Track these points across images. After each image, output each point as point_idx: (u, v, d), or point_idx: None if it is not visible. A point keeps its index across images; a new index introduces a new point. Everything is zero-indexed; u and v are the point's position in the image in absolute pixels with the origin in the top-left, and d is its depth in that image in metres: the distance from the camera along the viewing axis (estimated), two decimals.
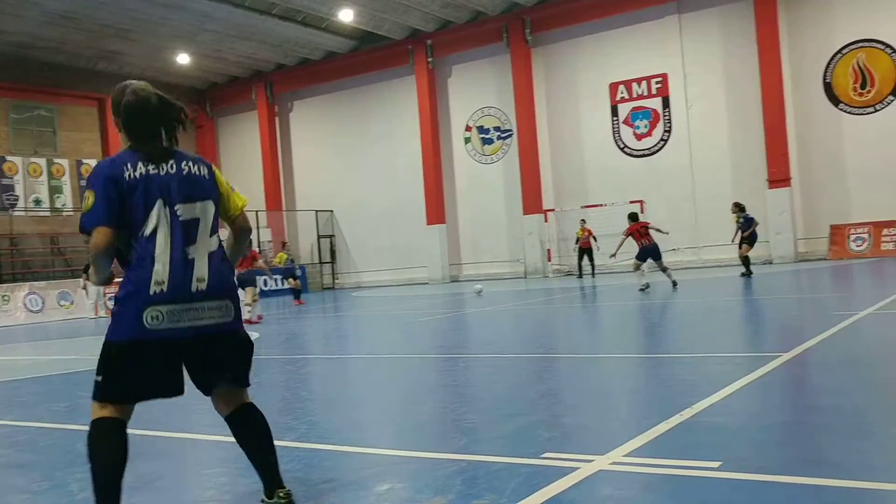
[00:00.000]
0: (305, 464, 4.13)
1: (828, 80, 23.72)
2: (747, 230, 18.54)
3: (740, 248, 18.65)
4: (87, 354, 11.88)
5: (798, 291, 14.07)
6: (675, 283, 16.00)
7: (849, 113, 23.46)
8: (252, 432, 3.43)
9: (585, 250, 24.58)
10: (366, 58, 30.85)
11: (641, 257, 16.40)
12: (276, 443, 3.47)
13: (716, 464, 3.50)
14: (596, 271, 24.83)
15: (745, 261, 18.46)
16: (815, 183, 23.88)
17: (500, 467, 3.74)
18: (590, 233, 24.68)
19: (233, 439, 3.46)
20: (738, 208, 19.06)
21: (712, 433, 4.14)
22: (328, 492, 3.61)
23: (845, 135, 23.46)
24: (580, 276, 24.38)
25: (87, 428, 3.12)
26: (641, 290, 15.54)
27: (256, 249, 18.44)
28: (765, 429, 4.17)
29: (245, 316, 16.26)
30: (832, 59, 23.67)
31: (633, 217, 17.14)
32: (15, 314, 21.99)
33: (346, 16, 27.11)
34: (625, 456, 3.78)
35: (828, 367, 6.05)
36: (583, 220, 25.22)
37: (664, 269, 16.35)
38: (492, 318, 13.17)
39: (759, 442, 3.93)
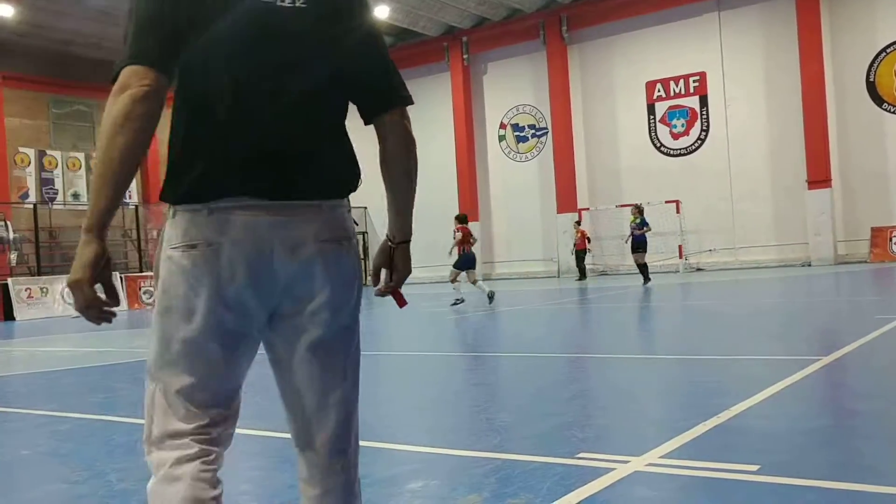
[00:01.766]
0: None
1: (871, 80, 23.31)
2: (639, 231, 19.03)
3: (635, 253, 18.93)
4: (121, 347, 12.05)
5: (838, 294, 13.84)
6: (490, 295, 14.73)
7: (893, 113, 23.05)
8: None
9: (581, 253, 24.14)
10: (401, 54, 30.90)
11: (461, 266, 15.14)
12: (277, 434, 3.48)
13: (754, 467, 3.45)
14: (586, 275, 24.39)
15: (644, 268, 18.70)
16: (855, 184, 23.49)
17: (535, 466, 3.72)
18: (584, 235, 24.31)
19: (269, 433, 3.48)
20: (639, 210, 19.53)
21: (750, 436, 4.08)
22: (363, 487, 3.61)
23: (888, 135, 23.05)
24: (582, 277, 23.93)
25: (124, 420, 3.16)
26: (455, 303, 14.74)
27: None
28: (803, 433, 4.11)
29: None
30: (876, 57, 23.26)
31: (462, 219, 15.64)
32: (53, 306, 22.37)
33: (381, 12, 27.18)
34: (660, 457, 3.74)
35: (868, 371, 5.94)
36: (576, 223, 24.91)
37: (474, 282, 15.10)
38: (523, 317, 13.14)
39: (798, 446, 3.87)
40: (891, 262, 22.17)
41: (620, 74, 27.11)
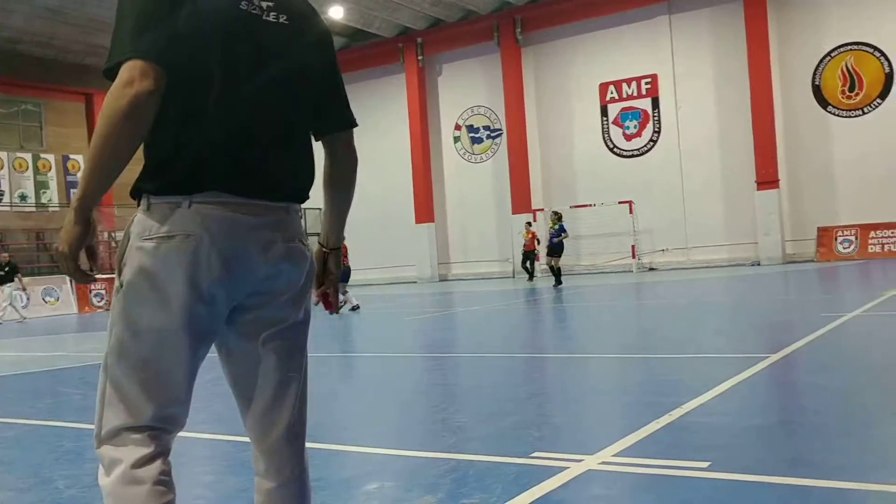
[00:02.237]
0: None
1: (817, 83, 23.85)
2: (557, 238, 20.01)
3: (550, 256, 20.05)
4: (71, 351, 11.81)
5: (786, 293, 14.13)
6: (355, 308, 15.48)
7: (837, 115, 23.60)
8: None
9: (529, 253, 24.20)
10: (356, 55, 30.77)
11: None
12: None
13: (704, 464, 3.51)
14: (535, 276, 24.49)
15: (557, 272, 19.75)
16: (802, 185, 24.01)
17: (490, 466, 3.73)
18: (534, 236, 24.40)
19: (222, 436, 3.45)
20: (557, 217, 20.68)
21: (701, 433, 4.15)
22: (317, 490, 3.59)
23: (833, 137, 23.60)
24: (531, 278, 24.00)
25: (72, 425, 3.10)
26: (352, 309, 15.37)
27: None
28: (753, 429, 4.18)
29: None
30: (821, 61, 23.80)
31: None
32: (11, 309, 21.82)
33: (336, 13, 27.05)
34: (614, 456, 3.78)
35: (815, 368, 6.08)
36: (528, 223, 25.00)
37: (344, 293, 15.67)
38: (479, 317, 13.18)
39: (747, 442, 3.94)
40: (836, 261, 22.71)
41: (574, 76, 27.34)
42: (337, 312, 2.32)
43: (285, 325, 2.03)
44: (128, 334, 1.88)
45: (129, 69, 1.77)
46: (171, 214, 1.86)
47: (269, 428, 2.08)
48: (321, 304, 2.31)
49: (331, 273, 2.25)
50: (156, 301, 1.84)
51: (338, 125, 2.20)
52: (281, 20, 1.98)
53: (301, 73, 2.03)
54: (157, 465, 1.89)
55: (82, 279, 1.92)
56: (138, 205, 1.94)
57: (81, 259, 1.89)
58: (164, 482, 1.91)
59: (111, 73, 1.82)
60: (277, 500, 2.07)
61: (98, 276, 2.01)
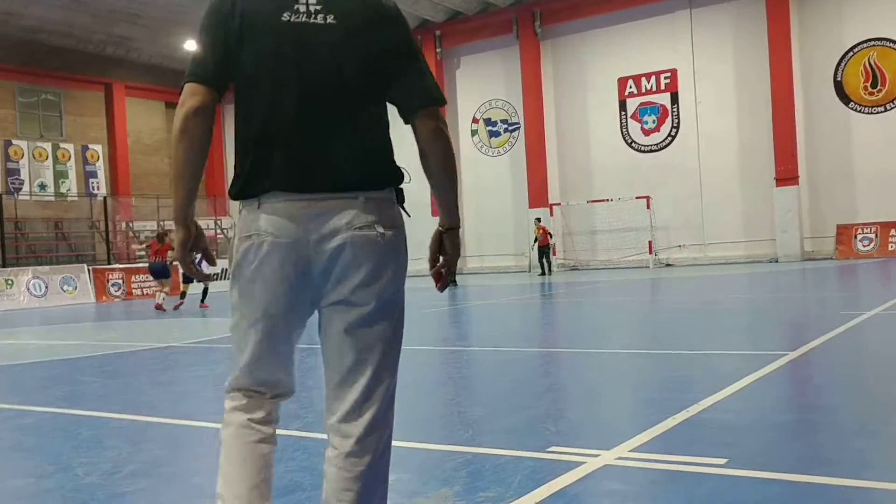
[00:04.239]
0: (311, 453, 4.13)
1: (838, 79, 23.63)
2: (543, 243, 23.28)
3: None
4: (89, 340, 11.91)
5: (804, 290, 14.04)
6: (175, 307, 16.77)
7: (859, 112, 23.37)
8: None
9: (544, 248, 24.25)
10: None
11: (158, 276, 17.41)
12: (281, 431, 3.50)
13: (721, 460, 3.49)
14: (552, 270, 24.56)
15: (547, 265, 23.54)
16: (822, 182, 23.81)
17: (506, 460, 3.73)
18: (545, 231, 24.41)
19: None
20: (539, 222, 24.28)
21: (718, 430, 4.13)
22: None
23: (854, 134, 23.37)
24: (543, 273, 24.08)
25: (91, 413, 3.13)
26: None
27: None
28: (770, 426, 4.16)
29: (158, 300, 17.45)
30: (843, 57, 23.57)
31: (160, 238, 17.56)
32: (18, 298, 22.04)
33: None
34: (630, 451, 3.77)
35: (833, 366, 6.03)
36: (537, 219, 24.98)
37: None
38: (495, 311, 13.17)
39: (765, 439, 3.92)
40: (856, 259, 22.52)
41: (592, 70, 27.22)
42: (442, 290, 2.44)
43: (358, 309, 2.15)
44: (233, 315, 2.21)
45: (184, 91, 2.08)
46: (248, 216, 2.13)
47: (337, 404, 2.22)
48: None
49: (445, 252, 2.36)
50: (245, 291, 2.15)
51: (408, 107, 2.23)
52: (328, 20, 2.12)
53: (354, 68, 2.13)
54: (243, 414, 2.23)
55: (199, 277, 2.30)
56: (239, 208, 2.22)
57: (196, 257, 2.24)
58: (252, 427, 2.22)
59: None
60: (333, 468, 2.21)
61: (207, 272, 2.36)
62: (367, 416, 2.20)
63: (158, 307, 17.38)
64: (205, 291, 18.12)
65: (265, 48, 2.09)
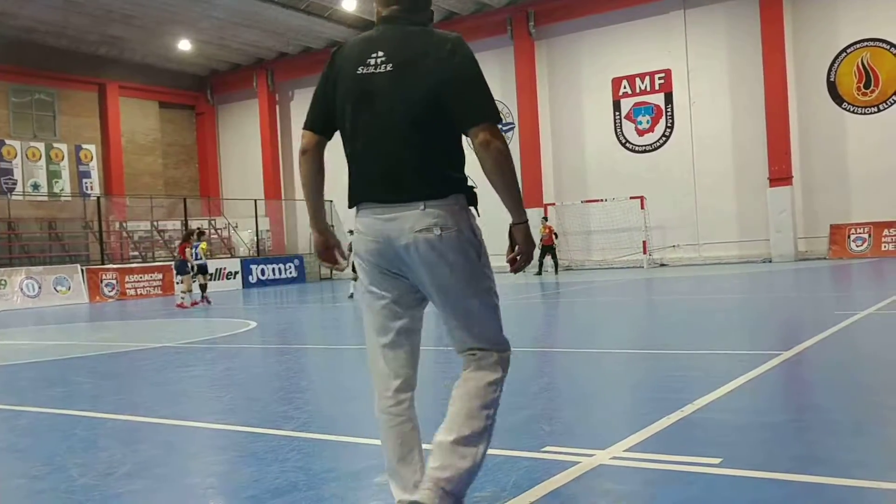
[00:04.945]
0: (305, 453, 4.13)
1: (832, 79, 23.69)
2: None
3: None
4: (82, 341, 11.88)
5: (798, 290, 14.07)
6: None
7: (852, 112, 23.44)
8: None
9: (548, 248, 24.30)
10: None
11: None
12: (276, 432, 3.51)
13: (716, 460, 3.50)
14: (559, 269, 24.66)
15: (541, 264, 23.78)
16: (816, 182, 23.87)
17: (502, 460, 3.74)
18: (551, 230, 24.45)
19: (234, 427, 3.48)
20: (546, 221, 24.55)
21: (712, 429, 4.14)
22: (329, 482, 3.61)
23: (848, 134, 23.44)
24: (539, 272, 24.12)
25: (84, 414, 3.13)
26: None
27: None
28: (764, 426, 4.17)
29: (178, 301, 18.09)
30: (837, 57, 23.62)
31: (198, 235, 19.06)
32: (11, 299, 21.98)
33: (349, 5, 27.05)
34: (625, 451, 3.78)
35: (827, 366, 6.05)
36: (544, 218, 25.00)
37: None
38: None
39: (759, 439, 3.93)
40: (849, 259, 22.58)
41: (587, 70, 27.24)
42: (515, 273, 2.91)
43: (440, 290, 2.76)
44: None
45: (301, 136, 2.92)
46: (356, 218, 2.84)
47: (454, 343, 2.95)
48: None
49: (514, 243, 2.87)
50: (360, 272, 2.86)
51: (462, 125, 2.71)
52: (387, 69, 2.71)
53: (410, 103, 2.68)
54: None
55: (334, 267, 3.09)
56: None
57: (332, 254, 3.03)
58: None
59: None
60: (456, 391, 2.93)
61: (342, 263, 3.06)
62: (474, 364, 2.95)
63: (180, 306, 17.96)
64: (203, 288, 18.60)
65: (348, 96, 2.76)
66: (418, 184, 2.69)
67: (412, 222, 2.69)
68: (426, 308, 2.95)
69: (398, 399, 2.91)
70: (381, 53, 2.73)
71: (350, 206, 2.85)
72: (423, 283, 2.77)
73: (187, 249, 17.92)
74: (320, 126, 2.86)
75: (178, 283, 19.24)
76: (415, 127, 2.69)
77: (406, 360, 2.88)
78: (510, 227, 2.87)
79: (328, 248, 2.98)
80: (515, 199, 2.80)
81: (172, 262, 19.53)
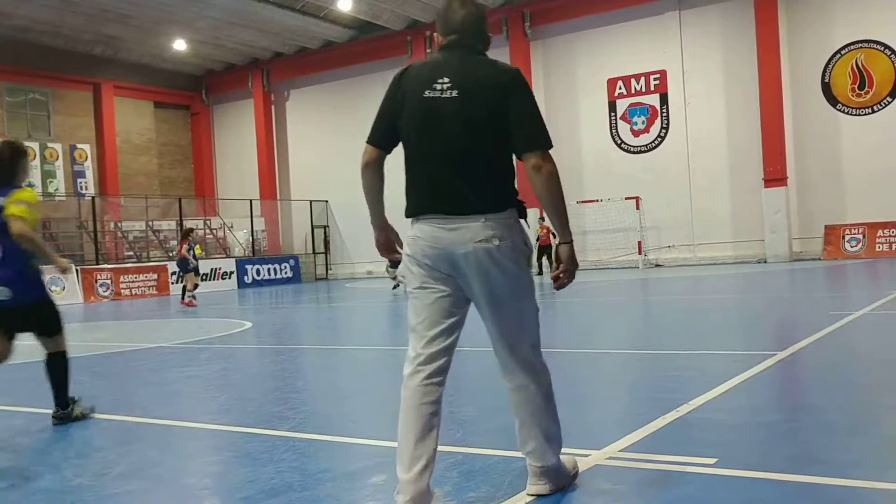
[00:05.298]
0: (301, 454, 4.12)
1: (826, 81, 23.75)
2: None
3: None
4: (77, 341, 11.84)
5: (793, 291, 14.10)
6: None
7: (847, 114, 23.50)
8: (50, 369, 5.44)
9: (545, 248, 24.34)
10: (363, 48, 30.77)
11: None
12: (271, 432, 3.51)
13: (711, 460, 3.50)
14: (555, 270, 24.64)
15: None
16: (810, 183, 23.93)
17: (497, 460, 3.74)
18: (549, 231, 24.46)
19: (229, 427, 3.47)
20: (543, 221, 23.81)
21: (708, 429, 4.14)
22: (324, 482, 3.61)
23: (843, 135, 23.50)
24: (539, 272, 24.19)
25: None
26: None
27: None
28: (760, 426, 4.18)
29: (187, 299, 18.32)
30: (831, 59, 23.69)
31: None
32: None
33: (344, 5, 27.03)
34: (620, 451, 3.78)
35: (822, 366, 6.06)
36: (541, 219, 25.01)
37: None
38: None
39: (755, 439, 3.94)
40: (844, 259, 22.64)
41: (582, 71, 27.26)
42: (558, 289, 3.18)
43: (491, 298, 3.03)
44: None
45: (364, 149, 3.08)
46: (413, 227, 3.07)
47: (498, 355, 3.20)
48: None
49: (559, 260, 3.19)
50: (409, 276, 3.08)
51: (519, 151, 3.04)
52: (453, 95, 2.96)
53: (472, 126, 2.96)
54: (420, 377, 3.03)
55: (391, 258, 3.27)
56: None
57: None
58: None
59: None
60: (516, 398, 3.19)
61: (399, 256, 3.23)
62: (520, 365, 3.18)
63: (186, 304, 18.17)
64: (184, 289, 18.77)
65: (414, 116, 2.99)
66: (480, 200, 2.97)
67: (473, 234, 2.95)
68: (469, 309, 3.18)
69: (430, 381, 3.03)
70: (446, 80, 2.98)
71: (410, 216, 3.08)
72: (473, 290, 3.03)
73: (184, 247, 18.09)
74: (385, 143, 3.07)
75: (180, 282, 19.71)
76: (477, 149, 2.98)
77: (446, 349, 3.06)
78: (556, 246, 3.24)
79: (389, 242, 3.21)
80: (563, 220, 3.13)
81: (175, 261, 19.74)
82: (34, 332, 5.36)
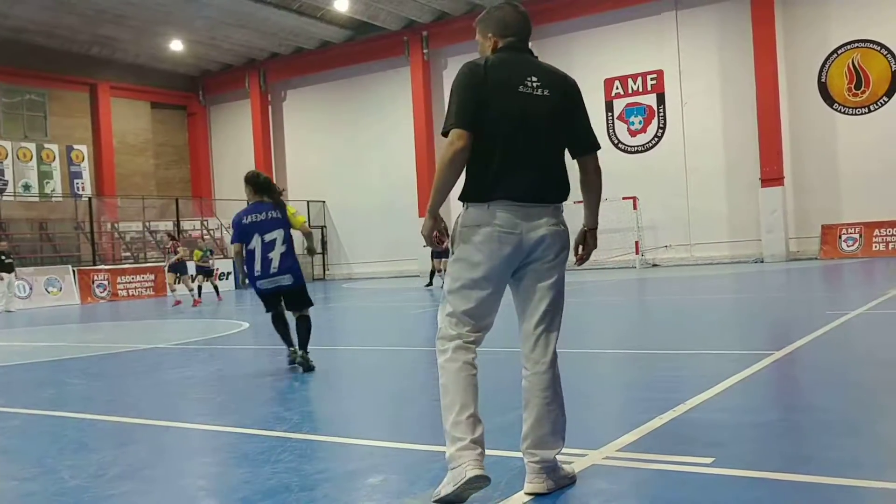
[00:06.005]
0: (298, 454, 4.11)
1: (823, 80, 23.78)
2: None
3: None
4: (73, 342, 11.83)
5: (789, 290, 14.12)
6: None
7: (843, 113, 23.53)
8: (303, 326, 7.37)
9: None
10: (360, 48, 30.75)
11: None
12: (268, 433, 3.51)
13: (708, 460, 3.50)
14: None
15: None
16: (807, 182, 23.95)
17: (494, 461, 3.73)
18: None
19: (226, 428, 3.46)
20: None
21: (704, 429, 4.14)
22: (322, 482, 3.60)
23: (839, 135, 23.53)
24: None
25: (76, 415, 3.11)
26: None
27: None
28: (757, 426, 4.18)
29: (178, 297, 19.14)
30: (828, 58, 23.71)
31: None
32: (2, 300, 21.83)
33: (341, 5, 27.02)
34: (617, 451, 3.78)
35: (818, 366, 6.07)
36: None
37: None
38: None
39: (751, 439, 3.94)
40: (840, 258, 22.67)
41: (579, 71, 27.18)
42: (579, 264, 3.59)
43: (549, 275, 3.31)
44: (454, 281, 3.24)
45: (454, 134, 3.12)
46: (477, 213, 3.19)
47: (528, 336, 3.44)
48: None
49: (587, 244, 3.54)
50: (468, 262, 3.22)
51: (579, 150, 3.39)
52: (545, 93, 3.25)
53: (555, 123, 3.27)
54: (465, 353, 3.34)
55: (437, 248, 3.38)
56: (464, 206, 3.25)
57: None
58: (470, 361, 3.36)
59: (445, 134, 3.15)
60: (529, 382, 3.46)
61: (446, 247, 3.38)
62: (552, 346, 3.45)
63: (178, 303, 18.85)
64: (200, 289, 19.38)
65: (508, 108, 3.17)
66: (555, 190, 3.29)
67: (548, 217, 3.26)
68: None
69: (476, 356, 3.37)
70: (535, 79, 3.25)
71: (482, 201, 3.18)
72: (535, 269, 3.28)
73: (179, 249, 18.67)
74: (475, 128, 3.13)
75: (175, 284, 20.32)
76: (559, 145, 3.32)
77: (488, 327, 3.38)
78: (584, 232, 3.55)
79: (442, 231, 3.27)
80: (598, 209, 3.55)
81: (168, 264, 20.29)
82: (295, 305, 7.40)
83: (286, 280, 7.16)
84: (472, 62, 3.30)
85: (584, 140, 3.39)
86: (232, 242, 7.27)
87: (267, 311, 7.47)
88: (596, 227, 3.56)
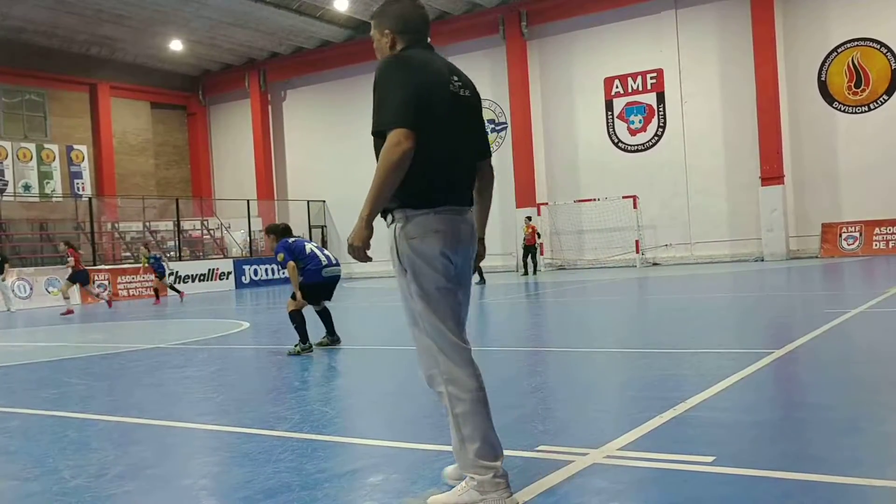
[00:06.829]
0: (299, 454, 4.12)
1: (823, 79, 23.77)
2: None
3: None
4: (73, 342, 11.83)
5: (789, 289, 14.12)
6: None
7: (843, 112, 23.52)
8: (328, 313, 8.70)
9: (530, 248, 24.40)
10: (360, 47, 30.71)
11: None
12: (269, 433, 3.52)
13: (709, 458, 3.51)
14: (538, 269, 24.80)
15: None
16: (807, 181, 23.95)
17: None
18: (534, 230, 24.49)
19: (226, 428, 3.45)
20: (530, 220, 24.38)
21: (705, 428, 4.15)
22: (322, 482, 3.61)
23: (839, 133, 23.52)
24: (525, 273, 24.26)
25: (76, 415, 3.11)
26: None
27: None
28: (757, 424, 4.18)
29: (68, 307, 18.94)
30: (827, 57, 23.70)
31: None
32: (2, 300, 21.83)
33: (341, 5, 27.02)
34: (619, 449, 3.78)
35: (818, 364, 6.07)
36: (528, 218, 24.99)
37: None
38: (482, 311, 13.18)
39: (752, 437, 3.94)
40: (840, 257, 22.66)
41: (579, 70, 27.26)
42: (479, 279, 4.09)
43: (469, 270, 3.26)
44: (426, 296, 3.10)
45: (399, 134, 2.88)
46: (424, 220, 3.03)
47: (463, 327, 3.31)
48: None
49: (479, 253, 3.40)
50: (436, 272, 3.08)
51: (484, 154, 3.33)
52: (466, 94, 3.19)
53: (475, 125, 3.26)
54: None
55: (365, 260, 3.07)
56: (402, 215, 3.08)
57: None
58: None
59: (381, 135, 2.95)
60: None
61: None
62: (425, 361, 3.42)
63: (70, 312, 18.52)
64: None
65: (445, 108, 3.04)
66: (472, 192, 3.27)
67: (473, 222, 3.22)
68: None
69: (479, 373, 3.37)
70: (456, 79, 3.17)
71: (430, 207, 3.03)
72: (468, 272, 3.24)
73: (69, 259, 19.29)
74: (417, 126, 2.92)
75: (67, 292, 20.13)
76: (479, 147, 3.31)
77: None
78: (481, 240, 3.42)
79: (368, 247, 3.08)
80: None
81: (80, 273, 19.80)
82: (330, 296, 8.79)
83: (340, 270, 8.76)
84: (400, 55, 3.09)
85: (486, 144, 3.36)
86: (285, 262, 8.43)
87: (311, 304, 8.71)
88: (484, 237, 3.48)
